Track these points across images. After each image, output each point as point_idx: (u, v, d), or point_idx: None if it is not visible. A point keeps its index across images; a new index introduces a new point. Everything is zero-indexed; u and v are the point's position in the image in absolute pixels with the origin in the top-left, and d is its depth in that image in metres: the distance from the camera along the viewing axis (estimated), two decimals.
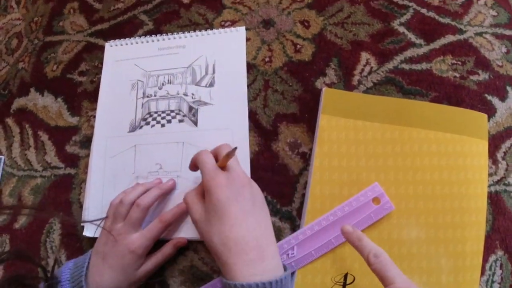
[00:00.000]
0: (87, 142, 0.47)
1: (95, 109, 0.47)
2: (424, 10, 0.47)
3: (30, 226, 0.47)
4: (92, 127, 0.47)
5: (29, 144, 0.50)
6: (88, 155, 0.46)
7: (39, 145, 0.49)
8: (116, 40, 0.49)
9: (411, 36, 0.45)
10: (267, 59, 0.45)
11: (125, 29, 0.51)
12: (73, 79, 0.51)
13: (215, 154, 0.36)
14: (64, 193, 0.46)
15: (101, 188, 0.43)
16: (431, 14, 0.47)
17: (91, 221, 0.39)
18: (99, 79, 0.49)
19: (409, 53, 0.45)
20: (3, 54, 0.57)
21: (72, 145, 0.48)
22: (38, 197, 0.47)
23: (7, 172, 0.50)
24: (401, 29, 0.46)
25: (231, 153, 0.33)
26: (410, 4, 0.47)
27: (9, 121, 0.52)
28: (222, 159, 0.33)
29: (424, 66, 0.44)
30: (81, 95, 0.49)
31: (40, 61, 0.54)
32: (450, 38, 0.45)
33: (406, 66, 0.44)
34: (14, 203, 0.49)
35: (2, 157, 0.51)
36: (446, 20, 0.46)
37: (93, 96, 0.48)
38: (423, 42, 0.45)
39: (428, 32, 0.46)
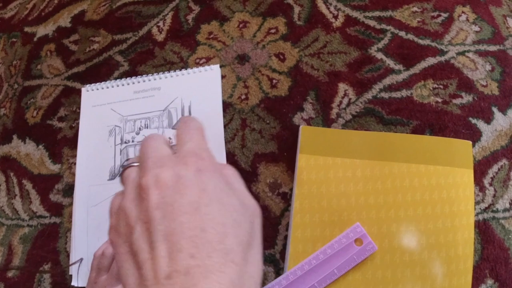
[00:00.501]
0: (69, 190, 0.46)
1: (75, 156, 0.47)
2: (402, 33, 0.45)
3: (22, 275, 0.46)
4: (74, 174, 0.46)
5: (15, 192, 0.49)
6: (71, 204, 0.45)
7: (24, 193, 0.49)
8: (92, 84, 0.48)
9: (390, 62, 0.43)
10: (243, 97, 0.44)
11: (101, 71, 0.50)
12: (53, 125, 0.50)
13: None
14: (52, 242, 0.46)
15: (85, 238, 0.42)
16: (410, 36, 0.45)
17: (69, 265, 0.38)
18: (78, 124, 0.48)
19: (388, 80, 0.43)
20: None
21: (55, 193, 0.47)
22: (27, 246, 0.47)
23: None
24: (379, 55, 0.44)
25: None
26: (388, 27, 0.45)
27: None
28: None
29: (404, 93, 0.42)
30: (61, 142, 0.48)
31: (21, 106, 0.53)
32: (430, 61, 0.43)
33: (385, 95, 0.42)
34: (5, 252, 0.48)
35: None
36: (425, 42, 0.44)
37: (73, 142, 0.47)
38: (402, 67, 0.43)
39: (407, 56, 0.44)
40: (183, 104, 0.44)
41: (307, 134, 0.40)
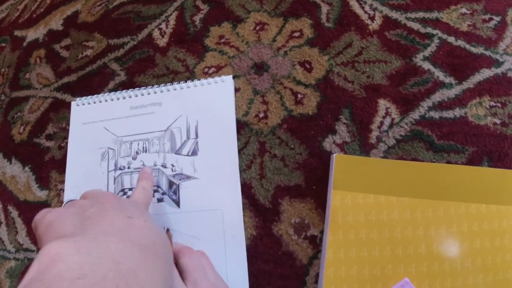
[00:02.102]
0: None
1: (64, 181, 0.37)
2: (451, 39, 0.34)
3: None
4: (62, 203, 0.36)
5: (0, 220, 0.40)
6: None
7: (9, 222, 0.40)
8: (83, 97, 0.39)
9: (439, 74, 0.33)
10: (261, 115, 0.34)
11: (94, 81, 0.40)
12: (40, 144, 0.40)
13: None
14: None
15: None
16: (461, 43, 0.34)
17: None
18: (67, 144, 0.38)
19: (438, 96, 0.32)
20: None
21: None
22: (15, 281, 0.38)
23: None
24: (426, 65, 0.33)
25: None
26: (434, 31, 0.34)
27: None
28: None
29: (457, 112, 0.32)
30: (49, 164, 0.39)
31: (7, 121, 0.43)
32: (485, 73, 0.33)
33: (435, 114, 0.32)
34: None
35: None
36: (478, 50, 0.34)
37: (62, 165, 0.38)
38: (454, 80, 0.33)
39: (459, 67, 0.33)
40: (189, 123, 0.34)
41: (342, 165, 0.30)
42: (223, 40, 0.38)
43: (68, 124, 0.39)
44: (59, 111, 0.41)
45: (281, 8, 0.38)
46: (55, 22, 0.46)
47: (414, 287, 0.28)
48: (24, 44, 0.47)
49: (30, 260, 0.38)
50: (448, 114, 0.32)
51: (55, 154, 0.39)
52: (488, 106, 0.32)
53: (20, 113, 0.43)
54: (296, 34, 0.36)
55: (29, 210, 0.39)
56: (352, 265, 0.29)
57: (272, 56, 0.36)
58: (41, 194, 0.39)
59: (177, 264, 0.25)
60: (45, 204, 0.38)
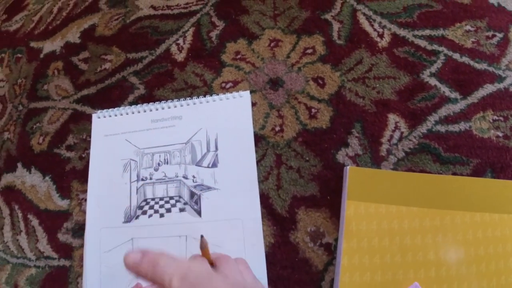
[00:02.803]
0: (80, 231, 0.39)
1: (86, 191, 0.39)
2: (456, 55, 0.37)
3: None
4: (84, 212, 0.39)
5: (20, 228, 0.42)
6: (82, 246, 0.38)
7: (30, 230, 0.42)
8: (104, 110, 0.41)
9: (445, 89, 0.36)
10: (277, 129, 0.36)
11: (114, 94, 0.42)
12: (60, 155, 0.42)
13: None
14: (61, 287, 0.38)
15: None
16: (465, 59, 0.37)
17: None
18: (89, 155, 0.40)
19: (444, 111, 0.35)
20: None
21: (64, 233, 0.40)
22: None
23: (1, 258, 0.42)
24: (432, 81, 0.36)
25: (203, 244, 0.26)
26: (440, 48, 0.37)
27: None
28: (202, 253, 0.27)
29: (462, 126, 0.35)
30: (70, 174, 0.41)
31: (26, 131, 0.45)
32: (489, 88, 0.36)
33: (442, 128, 0.35)
34: None
35: None
36: (482, 66, 0.37)
37: (83, 175, 0.40)
38: (459, 95, 0.36)
39: (464, 83, 0.36)
40: (209, 137, 0.36)
41: (355, 177, 0.33)
42: (239, 56, 0.40)
43: (89, 136, 0.41)
44: (79, 123, 0.43)
45: (294, 26, 0.40)
46: (72, 34, 0.48)
47: None
48: (41, 55, 0.49)
49: (51, 268, 0.40)
50: (454, 128, 0.35)
51: (76, 165, 0.41)
52: (491, 120, 0.35)
53: (39, 123, 0.45)
54: (309, 51, 0.39)
55: (50, 219, 0.41)
56: (365, 271, 0.31)
57: (287, 72, 0.39)
58: (62, 203, 0.41)
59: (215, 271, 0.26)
60: (66, 213, 0.40)
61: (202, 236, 0.26)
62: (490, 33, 0.38)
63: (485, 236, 0.31)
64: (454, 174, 0.34)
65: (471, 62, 0.37)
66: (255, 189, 0.34)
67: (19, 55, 0.51)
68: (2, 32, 0.54)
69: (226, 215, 0.34)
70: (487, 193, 0.32)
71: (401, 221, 0.32)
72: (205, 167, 0.35)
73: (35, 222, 0.42)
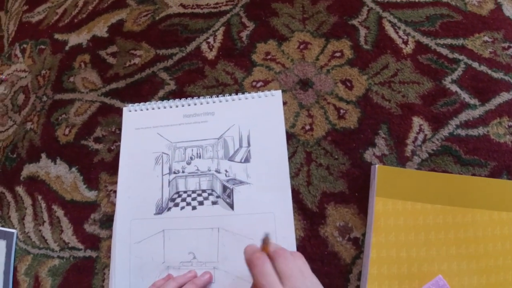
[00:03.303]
0: (108, 222, 0.40)
1: (115, 183, 0.40)
2: (475, 64, 0.40)
3: None
4: (113, 204, 0.40)
5: (43, 219, 0.43)
6: (110, 237, 0.39)
7: (54, 221, 0.42)
8: (136, 104, 0.42)
9: (465, 96, 0.38)
10: (307, 127, 0.38)
11: (144, 89, 0.43)
12: (88, 146, 0.43)
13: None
14: (86, 278, 0.40)
15: (127, 279, 0.36)
16: (483, 68, 0.40)
17: None
18: (118, 147, 0.41)
19: (464, 116, 0.38)
20: (9, 111, 0.50)
21: (91, 224, 0.41)
22: (57, 280, 0.41)
23: (21, 248, 0.43)
24: (454, 88, 0.39)
25: (266, 240, 0.27)
26: (461, 57, 0.40)
27: (20, 190, 0.45)
28: (262, 248, 0.28)
29: (481, 131, 0.37)
30: (98, 166, 0.42)
31: (50, 122, 0.46)
32: (505, 96, 0.39)
33: (462, 132, 0.37)
34: (31, 284, 0.42)
35: (15, 231, 0.44)
36: (499, 75, 0.39)
37: (112, 167, 0.41)
38: (478, 102, 0.38)
39: (482, 90, 0.39)
40: (241, 133, 0.38)
41: (383, 175, 0.35)
42: (269, 57, 0.42)
43: (118, 128, 0.43)
44: (107, 115, 0.44)
45: (322, 30, 0.42)
46: (99, 28, 0.49)
47: (447, 283, 0.33)
48: (66, 48, 0.50)
49: (76, 259, 0.40)
50: (473, 132, 0.38)
51: (105, 157, 0.42)
52: (507, 126, 0.38)
53: (65, 115, 0.46)
54: (337, 54, 0.41)
55: (76, 209, 0.42)
56: (393, 263, 0.33)
57: (316, 73, 0.41)
58: (90, 195, 0.42)
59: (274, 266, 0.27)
60: (94, 204, 0.41)
61: (267, 235, 0.27)
62: (506, 44, 0.41)
63: (502, 232, 0.34)
64: (473, 175, 0.37)
65: (489, 71, 0.40)
66: (287, 184, 0.36)
67: (43, 47, 0.51)
68: (24, 23, 0.55)
69: (258, 208, 0.35)
70: (504, 193, 0.35)
71: (426, 218, 0.34)
72: (237, 162, 0.37)
73: (60, 213, 0.43)
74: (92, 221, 0.41)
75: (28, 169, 0.45)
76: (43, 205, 0.43)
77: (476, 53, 0.41)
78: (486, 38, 0.42)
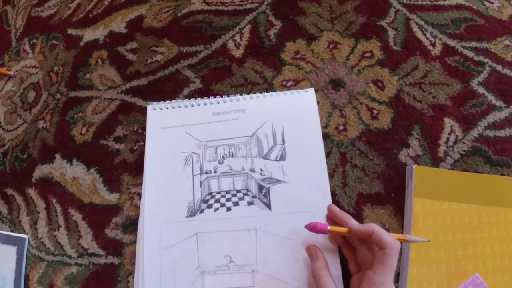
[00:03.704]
0: (131, 226, 0.38)
1: (138, 184, 0.39)
2: (499, 67, 0.41)
3: None
4: (137, 207, 0.38)
5: (58, 223, 0.41)
6: (134, 242, 0.38)
7: (71, 225, 0.40)
8: (161, 102, 0.41)
9: (491, 98, 0.40)
10: (341, 127, 0.38)
11: (168, 87, 0.42)
12: (108, 146, 0.42)
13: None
14: (107, 285, 0.38)
15: (157, 286, 0.35)
16: (507, 71, 0.41)
17: None
18: (141, 148, 0.40)
19: (491, 117, 0.39)
20: (18, 109, 0.47)
21: (113, 228, 0.39)
22: None
23: (33, 255, 0.41)
24: (481, 90, 0.40)
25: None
26: (485, 60, 0.41)
27: (31, 192, 0.43)
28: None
29: (507, 132, 0.39)
30: (120, 167, 0.40)
31: (65, 121, 0.44)
32: None
33: (490, 133, 0.38)
34: None
35: (26, 236, 0.41)
36: None
37: (135, 168, 0.40)
38: (503, 104, 0.40)
39: (507, 93, 0.40)
40: (274, 129, 0.37)
41: (421, 176, 0.35)
42: (299, 56, 0.42)
43: (141, 128, 0.41)
44: (129, 114, 0.42)
45: (351, 30, 0.43)
46: (117, 24, 0.48)
47: (483, 281, 0.33)
48: (81, 43, 0.48)
49: (97, 266, 0.39)
50: (500, 133, 0.39)
51: (127, 157, 0.41)
52: None
53: (81, 113, 0.44)
54: (367, 55, 0.41)
55: (96, 213, 0.40)
56: (432, 264, 0.34)
57: (347, 73, 0.41)
58: (111, 197, 0.40)
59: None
60: (115, 207, 0.40)
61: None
62: None
63: None
64: (502, 175, 0.38)
65: None
66: (325, 182, 0.35)
67: (55, 42, 0.49)
68: (33, 18, 0.53)
69: (296, 207, 0.35)
70: None
71: (462, 218, 0.35)
72: (272, 160, 0.37)
73: (77, 216, 0.41)
74: (114, 226, 0.39)
75: (41, 170, 0.43)
76: (58, 208, 0.41)
77: (499, 57, 0.42)
78: (507, 42, 0.43)
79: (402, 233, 0.35)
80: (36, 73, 0.48)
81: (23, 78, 0.49)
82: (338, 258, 0.33)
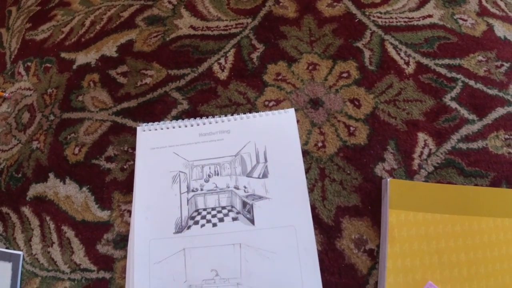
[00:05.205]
0: (122, 242, 0.41)
1: (128, 202, 0.42)
2: (472, 82, 0.45)
3: None
4: (127, 223, 0.42)
5: (52, 240, 0.44)
6: (124, 257, 0.41)
7: (64, 242, 0.43)
8: (150, 124, 0.45)
9: (464, 112, 0.43)
10: (320, 144, 0.42)
11: (156, 108, 0.46)
12: (99, 166, 0.45)
13: None
14: None
15: None
16: (479, 86, 0.45)
17: None
18: (131, 167, 0.44)
19: (464, 130, 0.43)
20: (13, 130, 0.51)
21: (104, 244, 0.42)
22: None
23: (27, 271, 0.44)
24: (453, 105, 0.44)
25: None
26: (458, 76, 0.45)
27: (26, 210, 0.46)
28: None
29: (480, 144, 0.42)
30: (111, 185, 0.44)
31: (58, 141, 0.48)
32: (500, 111, 0.44)
33: (463, 146, 0.42)
34: None
35: (21, 253, 0.44)
36: (493, 92, 0.45)
37: (126, 187, 0.43)
38: (476, 117, 0.43)
39: (479, 106, 0.44)
40: (257, 149, 0.41)
41: (395, 188, 0.39)
42: (280, 77, 0.46)
43: (131, 147, 0.45)
44: (119, 135, 0.46)
45: (329, 52, 0.47)
46: (108, 48, 0.52)
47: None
48: (74, 67, 0.52)
49: (89, 281, 0.41)
50: (473, 145, 0.43)
51: (118, 176, 0.44)
52: (503, 139, 0.43)
53: (74, 134, 0.48)
54: (345, 75, 0.45)
55: (88, 230, 0.43)
56: (408, 272, 0.37)
57: (325, 93, 0.45)
58: (102, 215, 0.43)
59: None
60: (107, 224, 0.43)
61: None
62: (498, 63, 0.47)
63: (506, 238, 0.38)
64: (476, 185, 0.41)
65: (484, 88, 0.45)
66: (305, 197, 0.39)
67: (48, 65, 0.53)
68: (27, 41, 0.57)
69: (279, 222, 0.38)
70: (505, 201, 0.39)
71: (436, 227, 0.38)
72: (255, 177, 0.40)
73: (70, 233, 0.44)
74: (105, 242, 0.42)
75: (35, 189, 0.46)
76: (52, 226, 0.44)
77: (472, 72, 0.46)
78: (480, 58, 0.47)
79: (379, 242, 0.39)
80: (31, 95, 0.52)
81: (18, 100, 0.53)
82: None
